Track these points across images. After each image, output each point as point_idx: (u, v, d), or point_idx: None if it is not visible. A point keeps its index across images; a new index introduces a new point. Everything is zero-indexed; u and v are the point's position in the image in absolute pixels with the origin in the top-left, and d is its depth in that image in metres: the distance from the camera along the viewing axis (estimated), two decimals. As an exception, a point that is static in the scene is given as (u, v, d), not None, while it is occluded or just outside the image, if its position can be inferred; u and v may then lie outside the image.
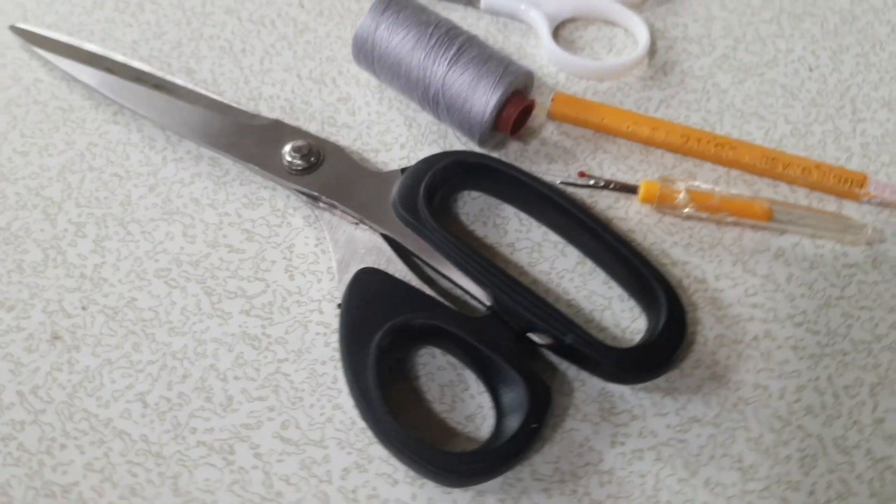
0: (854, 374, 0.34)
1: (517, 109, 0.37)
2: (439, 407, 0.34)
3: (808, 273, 0.37)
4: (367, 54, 0.39)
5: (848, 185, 0.38)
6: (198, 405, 0.34)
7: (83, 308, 0.36)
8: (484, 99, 0.36)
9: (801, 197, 0.38)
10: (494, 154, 0.39)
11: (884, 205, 0.38)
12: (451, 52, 0.37)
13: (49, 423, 0.33)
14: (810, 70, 0.42)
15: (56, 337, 0.35)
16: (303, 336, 0.35)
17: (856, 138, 0.40)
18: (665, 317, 0.33)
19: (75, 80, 0.40)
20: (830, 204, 0.38)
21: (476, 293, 0.34)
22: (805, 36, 0.43)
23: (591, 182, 0.38)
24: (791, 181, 0.38)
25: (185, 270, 0.36)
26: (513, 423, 0.31)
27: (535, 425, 0.31)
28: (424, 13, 0.39)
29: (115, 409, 0.33)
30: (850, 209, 0.38)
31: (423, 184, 0.36)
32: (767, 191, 0.39)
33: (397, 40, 0.38)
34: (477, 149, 0.39)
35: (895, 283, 0.36)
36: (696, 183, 0.37)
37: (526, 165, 0.39)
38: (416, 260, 0.35)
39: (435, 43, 0.37)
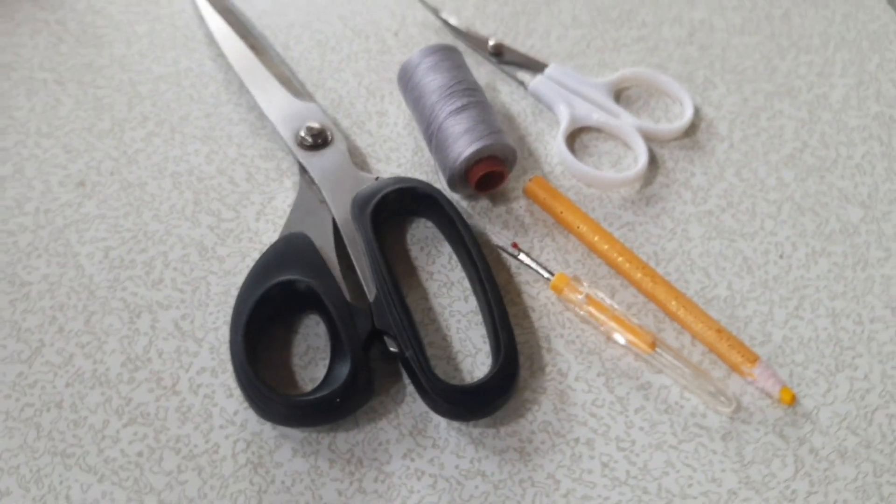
0: (641, 512, 0.36)
1: (485, 169, 0.43)
2: (297, 361, 0.40)
3: (659, 415, 0.39)
4: (405, 83, 0.47)
5: (738, 359, 0.39)
6: (137, 273, 0.42)
7: (111, 174, 0.46)
8: (459, 150, 0.43)
9: (698, 352, 0.41)
10: (463, 203, 0.45)
11: (764, 392, 0.39)
12: (458, 105, 0.44)
13: (41, 237, 0.43)
14: (780, 257, 0.44)
15: (81, 184, 0.45)
16: (238, 263, 0.43)
17: (783, 330, 0.42)
18: (489, 376, 0.37)
19: (204, 20, 0.51)
20: (722, 369, 0.40)
21: (368, 289, 0.40)
22: (796, 227, 0.45)
23: (519, 254, 0.42)
24: (693, 333, 0.41)
25: (191, 180, 0.46)
26: (324, 391, 0.37)
27: (337, 399, 0.36)
28: (461, 70, 0.46)
29: (85, 249, 0.43)
30: (737, 382, 0.40)
31: (382, 193, 0.42)
32: (671, 333, 0.41)
33: (427, 80, 0.45)
34: (447, 190, 0.45)
35: (732, 460, 0.38)
36: (601, 294, 0.41)
37: (482, 221, 0.45)
38: (347, 250, 0.42)
39: (451, 93, 0.44)
